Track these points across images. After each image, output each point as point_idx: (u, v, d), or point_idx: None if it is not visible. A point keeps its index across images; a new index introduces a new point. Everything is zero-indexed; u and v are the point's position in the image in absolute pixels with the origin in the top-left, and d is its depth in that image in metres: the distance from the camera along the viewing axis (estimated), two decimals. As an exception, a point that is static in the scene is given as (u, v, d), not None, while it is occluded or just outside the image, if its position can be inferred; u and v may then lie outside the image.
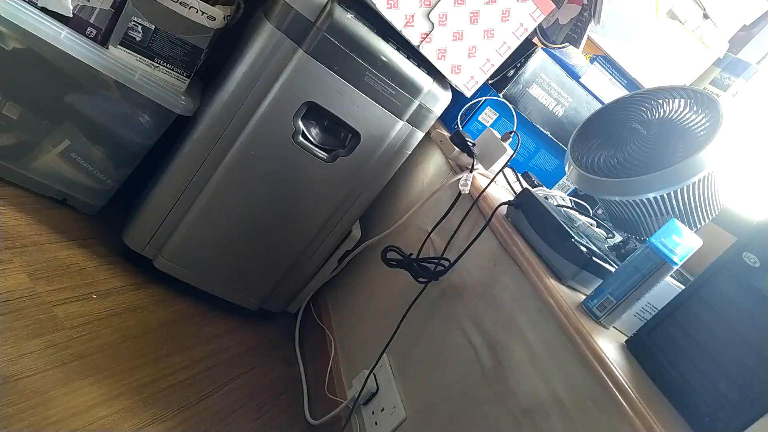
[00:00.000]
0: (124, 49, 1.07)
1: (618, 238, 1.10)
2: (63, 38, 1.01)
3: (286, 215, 1.22)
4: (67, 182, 1.22)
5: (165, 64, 1.10)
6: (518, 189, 1.19)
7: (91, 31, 1.05)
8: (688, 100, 1.02)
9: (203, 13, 1.06)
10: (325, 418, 1.13)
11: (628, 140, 1.06)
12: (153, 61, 1.09)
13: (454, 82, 1.18)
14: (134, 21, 1.05)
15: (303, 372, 1.31)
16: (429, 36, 1.10)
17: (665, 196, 0.97)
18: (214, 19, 1.07)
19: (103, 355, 1.02)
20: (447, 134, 1.23)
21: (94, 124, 1.16)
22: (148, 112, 1.16)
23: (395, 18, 1.07)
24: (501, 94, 1.31)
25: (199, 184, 1.13)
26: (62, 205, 1.24)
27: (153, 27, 1.06)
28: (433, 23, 1.09)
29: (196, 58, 1.11)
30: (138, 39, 1.07)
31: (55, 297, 1.05)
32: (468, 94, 1.20)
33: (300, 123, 1.11)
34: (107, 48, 1.06)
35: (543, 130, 1.38)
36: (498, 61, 1.16)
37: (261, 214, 1.20)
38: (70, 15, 1.03)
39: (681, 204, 0.98)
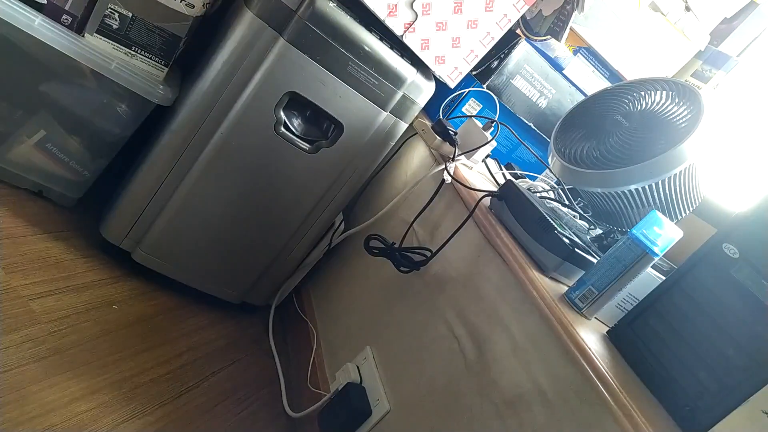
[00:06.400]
0: (101, 37, 1.04)
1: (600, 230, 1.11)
2: (37, 26, 0.98)
3: (268, 207, 1.20)
4: (43, 174, 1.19)
5: (143, 52, 1.08)
6: (501, 180, 1.19)
7: (67, 19, 1.03)
8: (670, 92, 1.02)
9: (182, 0, 1.04)
10: (307, 410, 1.12)
11: (610, 132, 1.06)
12: (130, 49, 1.07)
13: (437, 73, 1.17)
14: (111, 8, 1.02)
15: (279, 365, 1.30)
16: (412, 26, 1.09)
17: (647, 187, 0.97)
18: (193, 6, 1.05)
19: (81, 349, 1.01)
20: (429, 123, 1.22)
21: (70, 114, 1.14)
22: (126, 101, 1.14)
23: (378, 7, 1.06)
24: (485, 86, 1.31)
25: (179, 175, 1.11)
26: (38, 197, 1.22)
27: (130, 14, 1.04)
28: (416, 13, 1.08)
29: (175, 46, 1.09)
30: (115, 27, 1.04)
31: (32, 291, 1.03)
32: (452, 85, 1.19)
33: (282, 113, 1.09)
34: (83, 36, 1.04)
35: (527, 122, 1.38)
36: (482, 52, 1.16)
37: (242, 206, 1.19)
38: (45, 1, 1.00)
39: (662, 195, 0.99)
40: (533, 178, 1.36)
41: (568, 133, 1.15)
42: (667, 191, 0.99)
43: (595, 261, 0.87)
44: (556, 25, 1.31)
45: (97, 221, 1.22)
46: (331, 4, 1.00)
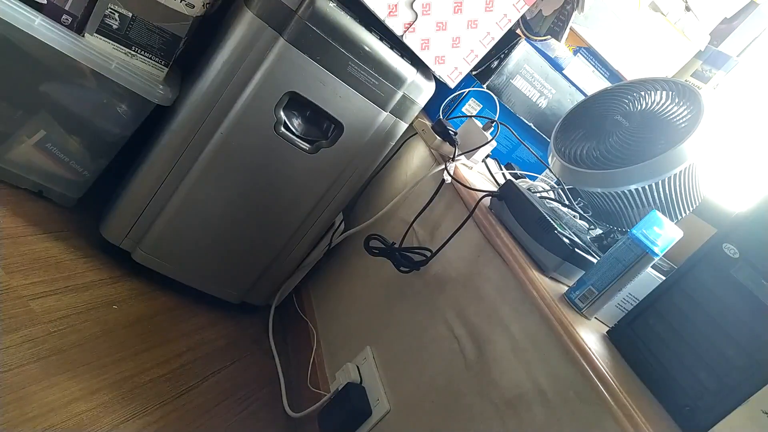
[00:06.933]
0: (101, 37, 1.04)
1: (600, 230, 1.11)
2: (37, 26, 0.98)
3: (268, 207, 1.20)
4: (43, 174, 1.19)
5: (143, 52, 1.08)
6: (501, 180, 1.19)
7: (67, 19, 1.03)
8: (670, 92, 1.02)
9: (182, 0, 1.04)
10: (307, 411, 1.12)
11: (610, 132, 1.06)
12: (130, 49, 1.07)
13: (437, 73, 1.17)
14: (111, 8, 1.02)
15: (279, 365, 1.30)
16: (412, 26, 1.09)
17: (647, 187, 0.97)
18: (194, 6, 1.05)
19: (81, 349, 1.01)
20: (429, 123, 1.22)
21: (70, 114, 1.14)
22: (126, 101, 1.14)
23: (378, 7, 1.06)
24: (485, 86, 1.31)
25: (179, 175, 1.11)
26: (38, 197, 1.22)
27: (130, 14, 1.04)
28: (416, 13, 1.08)
29: (175, 46, 1.09)
30: (115, 27, 1.04)
31: (31, 291, 1.03)
32: (452, 85, 1.19)
33: (282, 113, 1.09)
34: (83, 36, 1.04)
35: (527, 122, 1.38)
36: (482, 52, 1.16)
37: (242, 206, 1.19)
38: (45, 1, 1.00)
39: (662, 195, 0.99)
40: (533, 178, 1.36)
41: (568, 133, 1.15)
42: (667, 191, 0.99)
43: (595, 261, 0.87)
44: (556, 25, 1.31)
45: (97, 221, 1.22)
46: (331, 4, 1.00)
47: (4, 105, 1.10)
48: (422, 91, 1.14)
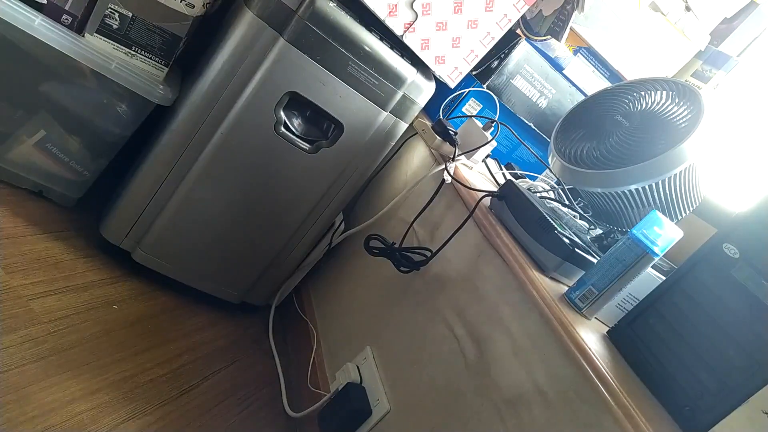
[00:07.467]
0: (101, 37, 1.04)
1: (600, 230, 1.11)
2: (37, 25, 0.98)
3: (268, 207, 1.20)
4: (43, 173, 1.19)
5: (143, 52, 1.08)
6: (501, 180, 1.19)
7: (67, 19, 1.03)
8: (670, 92, 1.02)
9: (182, 0, 1.04)
10: (307, 411, 1.12)
11: (610, 132, 1.06)
12: (130, 49, 1.07)
13: (437, 73, 1.17)
14: (111, 8, 1.02)
15: (279, 365, 1.30)
16: (412, 26, 1.09)
17: (647, 187, 0.97)
18: (194, 6, 1.05)
19: (81, 349, 1.01)
20: (429, 123, 1.22)
21: (70, 114, 1.14)
22: (126, 101, 1.14)
23: (378, 7, 1.06)
24: (485, 86, 1.31)
25: (179, 175, 1.11)
26: (38, 197, 1.22)
27: (130, 14, 1.04)
28: (416, 13, 1.08)
29: (175, 46, 1.09)
30: (115, 27, 1.04)
31: (32, 291, 1.03)
32: (452, 85, 1.19)
33: (282, 113, 1.09)
34: (83, 36, 1.04)
35: (527, 122, 1.38)
36: (482, 52, 1.16)
37: (242, 206, 1.19)
38: (45, 1, 1.00)
39: (662, 195, 0.99)
40: (533, 178, 1.36)
41: (569, 133, 1.15)
42: (667, 191, 0.99)
43: (595, 261, 0.87)
44: (556, 25, 1.31)
45: (97, 221, 1.22)
46: (331, 4, 1.00)
47: (4, 105, 1.10)
48: (422, 91, 1.14)
